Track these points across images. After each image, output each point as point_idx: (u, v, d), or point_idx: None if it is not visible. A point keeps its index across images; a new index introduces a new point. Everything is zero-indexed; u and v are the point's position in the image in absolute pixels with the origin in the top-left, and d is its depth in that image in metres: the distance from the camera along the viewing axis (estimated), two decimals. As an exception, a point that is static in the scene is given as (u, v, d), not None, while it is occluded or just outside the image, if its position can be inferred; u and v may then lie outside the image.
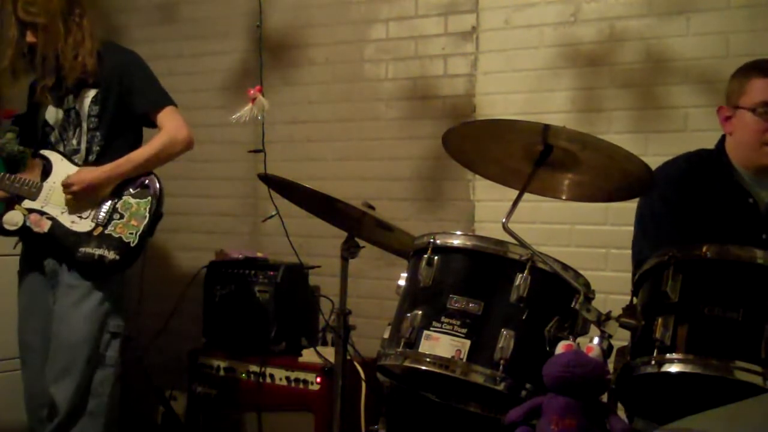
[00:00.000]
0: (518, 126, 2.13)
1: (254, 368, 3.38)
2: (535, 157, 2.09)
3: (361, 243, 2.67)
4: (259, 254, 3.69)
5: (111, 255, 2.77)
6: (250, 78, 3.93)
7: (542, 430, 1.84)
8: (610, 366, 2.00)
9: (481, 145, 2.23)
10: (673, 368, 1.86)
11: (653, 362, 1.88)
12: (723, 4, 3.21)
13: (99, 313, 2.79)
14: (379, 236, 2.70)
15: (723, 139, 2.54)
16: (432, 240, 2.13)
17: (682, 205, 2.43)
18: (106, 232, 2.79)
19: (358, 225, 2.63)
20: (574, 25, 3.47)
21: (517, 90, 3.57)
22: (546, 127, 1.97)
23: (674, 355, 1.86)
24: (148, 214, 2.85)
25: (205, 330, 3.57)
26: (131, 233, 2.80)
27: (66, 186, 2.77)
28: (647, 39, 3.34)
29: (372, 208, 2.55)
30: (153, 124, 2.93)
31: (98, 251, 2.76)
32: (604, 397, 1.98)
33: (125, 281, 2.93)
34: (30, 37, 2.76)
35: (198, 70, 4.29)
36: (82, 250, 2.77)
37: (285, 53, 4.06)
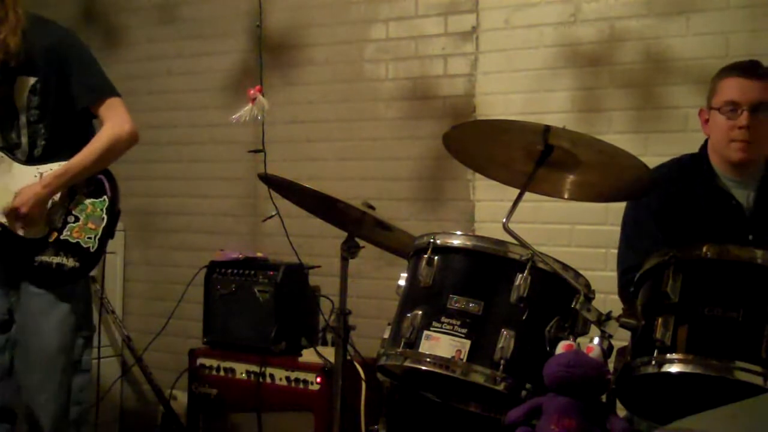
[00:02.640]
0: (518, 126, 2.13)
1: (254, 368, 3.38)
2: (536, 157, 2.09)
3: (361, 243, 2.67)
4: (259, 254, 3.68)
5: (70, 262, 2.58)
6: (250, 78, 3.92)
7: (542, 430, 1.84)
8: (610, 366, 2.00)
9: (482, 146, 2.23)
10: (674, 368, 1.86)
11: (653, 362, 1.88)
12: (723, 4, 3.21)
13: (71, 319, 2.64)
14: (379, 236, 2.70)
15: (706, 143, 2.56)
16: (432, 240, 2.13)
17: (665, 212, 2.47)
18: (62, 237, 2.59)
19: (358, 225, 2.63)
20: (574, 25, 3.47)
21: (517, 90, 3.57)
22: (546, 128, 1.98)
23: (674, 356, 1.86)
24: (105, 215, 2.63)
25: (205, 330, 3.57)
26: (89, 238, 2.60)
27: (13, 211, 2.55)
28: (647, 39, 3.34)
29: (372, 208, 2.55)
30: (95, 117, 2.69)
31: (56, 259, 2.57)
32: (604, 398, 1.98)
33: (89, 282, 2.79)
34: None
35: (198, 70, 4.29)
36: (39, 258, 2.58)
37: (285, 53, 4.06)
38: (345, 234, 2.63)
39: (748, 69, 2.46)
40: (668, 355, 1.87)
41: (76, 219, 2.62)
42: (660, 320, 1.89)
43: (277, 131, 3.70)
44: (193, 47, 4.32)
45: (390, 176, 3.83)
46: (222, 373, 3.46)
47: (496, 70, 3.62)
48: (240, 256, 3.62)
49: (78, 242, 2.61)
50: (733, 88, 2.44)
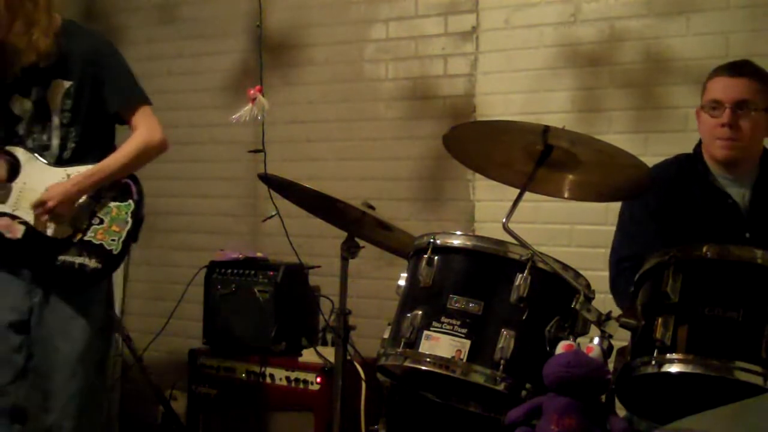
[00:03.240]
0: (518, 126, 2.13)
1: (254, 368, 3.38)
2: (536, 157, 2.09)
3: (361, 243, 2.67)
4: (259, 254, 3.68)
5: (92, 263, 2.60)
6: (250, 78, 3.92)
7: (542, 430, 1.84)
8: (610, 366, 2.00)
9: (482, 146, 2.23)
10: (674, 368, 1.86)
11: (653, 362, 1.88)
12: (723, 4, 3.21)
13: (96, 322, 2.68)
14: (379, 236, 2.70)
15: (700, 142, 2.58)
16: (432, 240, 2.13)
17: (662, 211, 2.49)
18: (85, 238, 2.62)
19: (358, 225, 2.63)
20: (574, 25, 3.47)
21: (517, 90, 3.57)
22: (546, 128, 1.98)
23: (674, 355, 1.86)
24: (130, 219, 2.67)
25: (205, 330, 3.57)
26: (113, 240, 2.63)
27: (40, 205, 2.58)
28: (647, 39, 3.34)
29: (372, 208, 2.55)
30: (125, 122, 2.76)
31: (78, 259, 2.60)
32: (604, 398, 1.98)
33: (112, 284, 2.80)
34: None
35: (198, 70, 4.29)
36: (62, 258, 2.60)
37: (285, 53, 4.06)
38: (345, 234, 2.63)
39: (733, 68, 2.48)
40: (668, 355, 1.87)
41: (101, 221, 2.66)
42: (660, 320, 1.89)
43: (277, 131, 3.70)
44: (193, 47, 4.32)
45: (390, 176, 3.83)
46: (222, 373, 3.46)
47: (496, 70, 3.62)
48: (240, 256, 3.62)
49: (101, 244, 2.63)
50: (717, 87, 2.46)
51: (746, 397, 1.50)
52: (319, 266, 3.57)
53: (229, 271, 3.54)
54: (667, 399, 2.01)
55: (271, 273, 3.45)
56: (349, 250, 2.61)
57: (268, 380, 3.34)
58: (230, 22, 4.19)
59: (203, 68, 4.28)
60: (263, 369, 3.35)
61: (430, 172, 3.74)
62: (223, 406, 3.45)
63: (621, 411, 2.04)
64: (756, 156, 2.51)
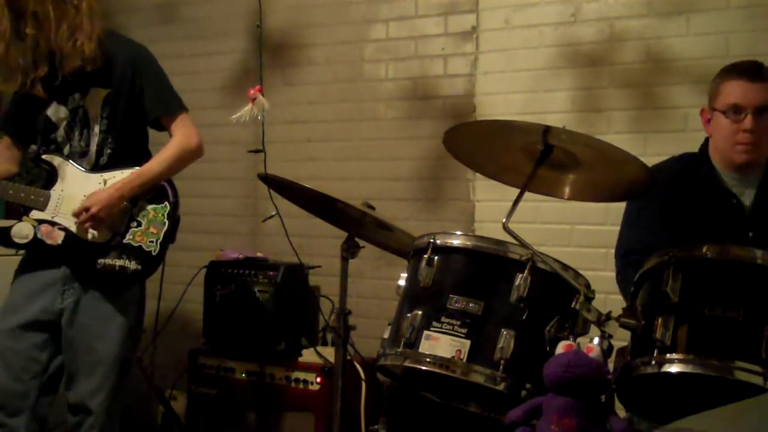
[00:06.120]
0: (518, 126, 2.13)
1: (254, 368, 3.38)
2: (536, 157, 2.09)
3: (361, 243, 2.67)
4: (259, 254, 3.68)
5: (133, 265, 2.67)
6: (250, 78, 3.93)
7: (542, 430, 1.84)
8: (610, 366, 2.00)
9: (482, 146, 2.23)
10: (674, 368, 1.86)
11: (653, 362, 1.88)
12: (723, 4, 3.21)
13: (129, 324, 2.73)
14: (379, 236, 2.70)
15: (706, 142, 2.57)
16: (432, 240, 2.13)
17: (668, 208, 2.49)
18: (124, 241, 2.68)
19: (358, 225, 2.63)
20: (574, 25, 3.47)
21: (517, 90, 3.57)
22: (546, 128, 1.98)
23: (674, 355, 1.86)
24: (167, 220, 2.74)
25: (205, 330, 3.57)
26: (151, 242, 2.70)
27: (84, 211, 2.63)
28: (647, 39, 3.34)
29: (372, 208, 2.55)
30: (162, 128, 2.83)
31: (119, 262, 2.66)
32: (604, 398, 1.98)
33: (145, 285, 2.84)
34: (22, 26, 2.58)
35: (198, 70, 4.29)
36: (102, 261, 2.66)
37: (285, 53, 4.06)
38: (345, 234, 2.63)
39: (750, 71, 2.46)
40: (668, 355, 1.87)
41: (138, 224, 2.71)
42: (660, 320, 1.89)
43: (277, 131, 3.71)
44: (193, 47, 4.32)
45: (390, 176, 3.83)
46: (222, 373, 3.46)
47: (496, 70, 3.62)
48: (240, 256, 3.62)
49: (140, 246, 2.69)
50: (736, 92, 2.44)
51: (746, 397, 1.50)
52: (319, 266, 3.57)
53: (229, 271, 3.53)
54: (667, 399, 2.01)
55: (271, 273, 3.45)
56: (349, 250, 2.61)
57: (268, 380, 3.34)
58: (230, 22, 4.19)
59: (203, 68, 4.28)
60: (263, 369, 3.35)
61: (430, 172, 3.74)
62: (223, 406, 3.45)
63: (621, 411, 2.04)
64: (764, 157, 2.52)
